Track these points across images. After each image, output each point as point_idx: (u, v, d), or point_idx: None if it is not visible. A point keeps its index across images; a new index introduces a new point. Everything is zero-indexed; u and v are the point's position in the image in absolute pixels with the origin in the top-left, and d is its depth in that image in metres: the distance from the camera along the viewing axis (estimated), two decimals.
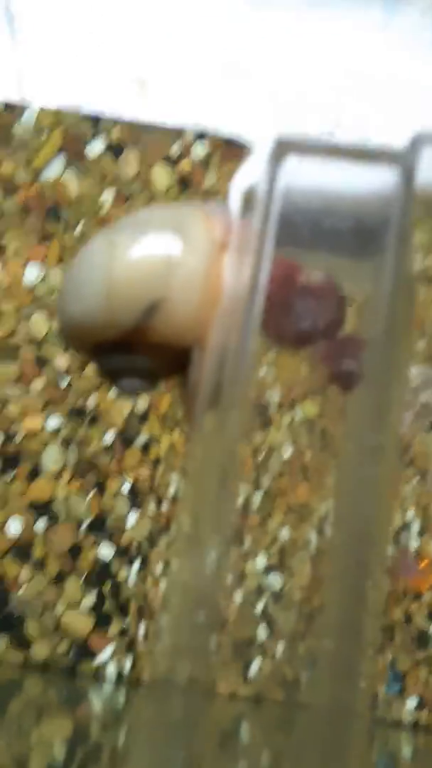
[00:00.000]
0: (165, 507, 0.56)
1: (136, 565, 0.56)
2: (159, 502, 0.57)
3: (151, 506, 0.56)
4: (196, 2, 0.56)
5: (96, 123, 0.58)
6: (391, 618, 0.55)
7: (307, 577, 0.52)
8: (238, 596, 0.56)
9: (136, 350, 0.23)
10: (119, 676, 0.55)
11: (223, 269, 0.22)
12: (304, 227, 0.19)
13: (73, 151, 0.58)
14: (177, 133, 0.59)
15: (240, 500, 0.57)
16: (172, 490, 0.56)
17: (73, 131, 0.58)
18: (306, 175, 0.19)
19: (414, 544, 0.57)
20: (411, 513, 0.57)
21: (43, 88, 0.57)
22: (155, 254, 0.22)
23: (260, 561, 0.56)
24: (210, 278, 0.22)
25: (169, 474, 0.56)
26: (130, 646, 0.55)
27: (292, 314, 0.22)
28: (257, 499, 0.57)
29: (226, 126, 0.57)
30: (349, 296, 0.22)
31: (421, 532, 0.57)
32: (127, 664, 0.55)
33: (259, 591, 0.55)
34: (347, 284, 0.22)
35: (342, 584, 0.21)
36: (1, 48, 0.55)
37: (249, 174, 0.22)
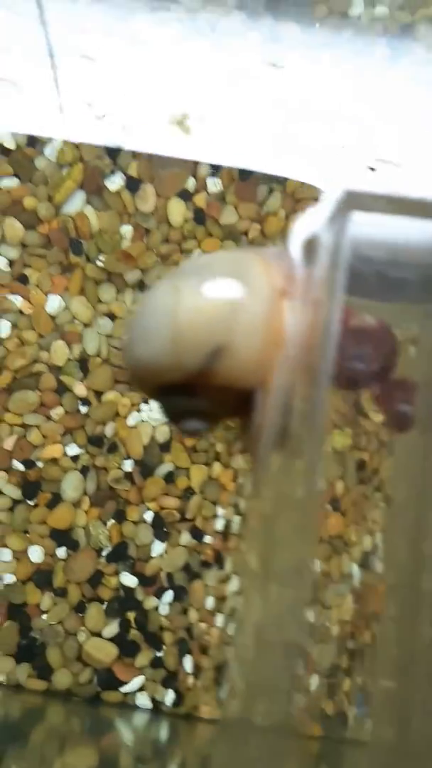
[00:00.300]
0: (209, 540, 0.57)
1: (168, 595, 0.56)
2: (198, 534, 0.58)
3: (185, 537, 0.57)
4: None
5: (115, 156, 0.59)
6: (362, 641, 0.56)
7: (349, 612, 0.52)
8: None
9: (200, 392, 0.24)
10: (156, 707, 0.55)
11: (283, 314, 0.23)
12: (371, 277, 0.20)
13: (93, 185, 0.59)
14: (192, 168, 0.60)
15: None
16: (218, 525, 0.57)
17: (92, 165, 0.59)
18: (372, 227, 0.20)
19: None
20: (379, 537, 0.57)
21: (82, 126, 0.58)
22: (219, 300, 0.23)
23: (235, 584, 0.57)
24: (271, 323, 0.23)
25: (209, 507, 0.57)
26: (171, 679, 0.56)
27: (345, 357, 0.23)
28: (236, 523, 0.57)
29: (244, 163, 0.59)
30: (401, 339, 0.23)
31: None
32: (168, 696, 0.55)
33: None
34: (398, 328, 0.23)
35: (400, 622, 0.21)
36: (43, 86, 0.57)
37: (310, 223, 0.23)
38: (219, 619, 0.57)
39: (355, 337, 0.22)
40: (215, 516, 0.58)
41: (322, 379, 0.20)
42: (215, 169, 0.60)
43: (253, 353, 0.23)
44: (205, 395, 0.24)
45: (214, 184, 0.60)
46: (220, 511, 0.58)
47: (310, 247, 0.22)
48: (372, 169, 0.53)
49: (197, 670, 0.56)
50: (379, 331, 0.23)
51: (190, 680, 0.56)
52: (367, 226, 0.20)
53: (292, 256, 0.23)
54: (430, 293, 0.20)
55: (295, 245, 0.23)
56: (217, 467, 0.58)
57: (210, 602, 0.57)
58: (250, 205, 0.60)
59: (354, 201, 0.20)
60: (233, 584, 0.57)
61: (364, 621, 0.50)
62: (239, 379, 0.23)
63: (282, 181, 0.60)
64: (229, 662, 0.54)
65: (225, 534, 0.57)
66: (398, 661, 0.21)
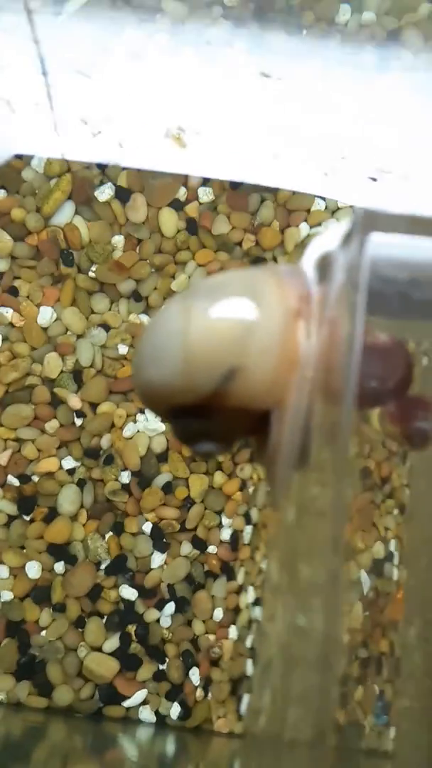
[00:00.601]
0: (213, 550, 0.57)
1: (170, 607, 0.56)
2: (201, 544, 0.57)
3: (186, 548, 0.57)
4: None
5: (103, 167, 0.59)
6: (378, 649, 0.55)
7: (359, 620, 0.52)
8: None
9: (213, 414, 0.23)
10: (161, 721, 0.54)
11: (298, 334, 0.22)
12: (393, 298, 0.20)
13: (82, 196, 0.59)
14: (182, 177, 0.60)
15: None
16: (224, 535, 0.57)
17: (81, 176, 0.59)
18: (393, 247, 0.20)
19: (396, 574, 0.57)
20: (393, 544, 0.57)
21: (77, 144, 0.58)
22: (232, 320, 0.23)
23: (251, 595, 0.57)
24: (286, 343, 0.22)
25: (212, 517, 0.57)
26: (176, 692, 0.55)
27: (360, 375, 0.22)
28: (247, 533, 0.57)
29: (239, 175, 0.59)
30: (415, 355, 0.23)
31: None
32: (174, 709, 0.55)
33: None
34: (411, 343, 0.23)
35: (423, 630, 0.21)
36: (37, 104, 0.56)
37: (325, 242, 0.22)
38: (232, 631, 0.56)
39: (369, 355, 0.22)
40: (220, 525, 0.57)
41: (347, 400, 0.19)
42: (206, 180, 0.60)
43: (268, 374, 0.22)
44: (218, 417, 0.24)
45: (205, 194, 0.59)
46: (225, 520, 0.57)
47: (325, 266, 0.22)
48: (373, 179, 0.53)
49: (207, 682, 0.55)
50: (392, 348, 0.23)
51: (199, 693, 0.55)
52: (388, 246, 0.20)
53: (306, 274, 0.23)
54: None
55: (309, 264, 0.23)
56: (218, 477, 0.57)
57: (219, 614, 0.56)
58: (243, 214, 0.60)
59: (373, 220, 0.20)
60: (249, 595, 0.57)
61: (379, 629, 0.50)
62: (253, 400, 0.23)
63: (273, 191, 0.60)
64: (253, 675, 0.53)
65: (234, 544, 0.57)
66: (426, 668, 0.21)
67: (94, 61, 0.58)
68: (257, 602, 0.57)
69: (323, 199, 0.60)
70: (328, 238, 0.22)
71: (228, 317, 0.23)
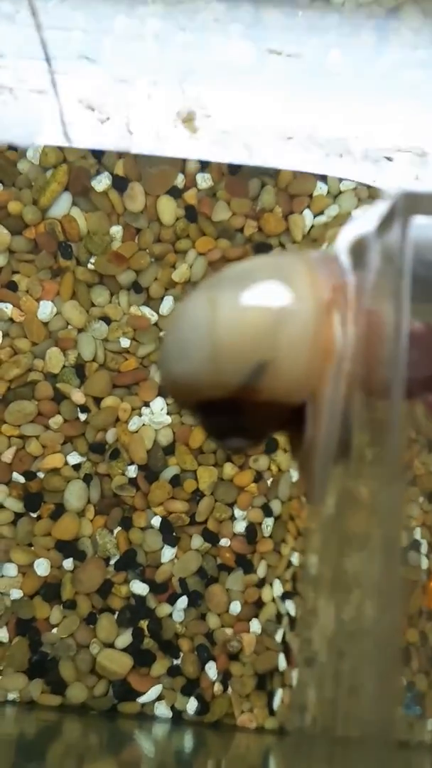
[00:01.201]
0: (226, 543, 0.56)
1: (182, 601, 0.55)
2: (212, 537, 0.56)
3: (197, 541, 0.56)
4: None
5: (99, 156, 0.58)
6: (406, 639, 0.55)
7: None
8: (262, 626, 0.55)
9: (243, 408, 0.22)
10: (178, 716, 0.54)
11: (332, 325, 0.21)
12: None
13: (79, 186, 0.57)
14: (180, 164, 0.59)
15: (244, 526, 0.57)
16: (238, 527, 0.56)
17: (77, 166, 0.57)
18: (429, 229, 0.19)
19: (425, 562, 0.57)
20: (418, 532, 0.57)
21: (84, 131, 0.56)
22: (261, 312, 0.22)
23: (278, 588, 0.56)
24: (319, 335, 0.21)
25: (223, 509, 0.56)
26: (192, 687, 0.55)
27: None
28: (267, 525, 0.57)
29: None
30: None
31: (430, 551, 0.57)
32: (190, 704, 0.54)
33: (280, 620, 0.55)
34: None
35: None
36: (42, 92, 0.55)
37: (358, 227, 0.22)
38: (254, 625, 0.56)
39: (411, 344, 0.21)
40: (232, 518, 0.57)
41: (396, 395, 0.19)
42: (204, 165, 0.58)
43: (300, 368, 0.22)
44: (249, 411, 0.23)
45: (204, 180, 0.58)
46: (238, 513, 0.57)
47: (360, 252, 0.21)
48: (389, 159, 0.52)
49: (226, 676, 0.55)
50: (428, 335, 0.22)
51: (217, 687, 0.55)
52: (429, 228, 0.19)
53: (339, 261, 0.22)
54: None
55: (343, 250, 0.22)
56: (228, 468, 0.57)
57: (236, 607, 0.56)
58: (243, 200, 0.59)
59: (414, 202, 0.19)
60: (276, 589, 0.56)
61: (406, 618, 0.49)
62: (285, 394, 0.22)
63: (273, 174, 0.59)
64: (294, 673, 0.53)
65: (251, 536, 0.56)
66: None
67: (97, 47, 0.57)
68: (287, 596, 0.56)
69: (325, 182, 0.59)
70: (362, 222, 0.21)
71: (257, 308, 0.22)
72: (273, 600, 0.56)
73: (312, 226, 0.59)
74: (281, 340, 0.22)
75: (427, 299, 0.20)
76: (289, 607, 0.56)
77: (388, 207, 0.20)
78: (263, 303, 0.22)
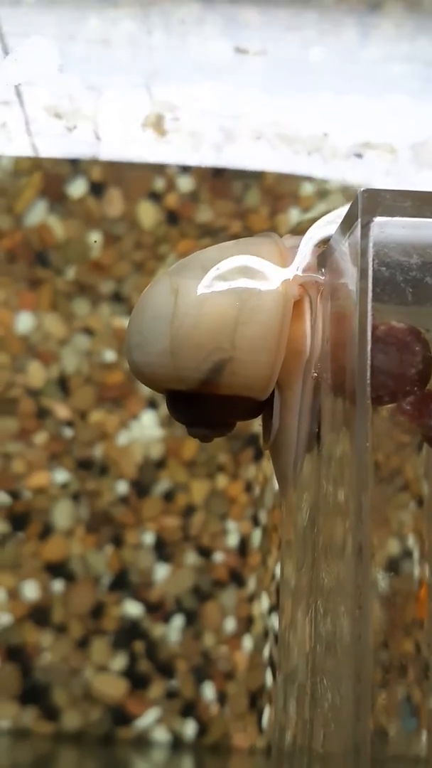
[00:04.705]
0: (220, 558, 0.54)
1: (178, 620, 0.53)
2: (206, 552, 0.55)
3: (191, 557, 0.54)
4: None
5: (75, 161, 0.56)
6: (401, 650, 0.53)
7: (376, 621, 0.50)
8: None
9: (205, 401, 0.23)
10: (177, 740, 0.52)
11: (298, 322, 0.21)
12: (405, 284, 0.18)
13: (55, 193, 0.56)
14: (159, 167, 0.57)
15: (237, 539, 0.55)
16: (231, 541, 0.54)
17: (52, 172, 0.56)
18: (398, 228, 0.18)
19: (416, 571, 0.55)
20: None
21: (51, 140, 0.55)
22: (222, 309, 0.21)
23: (264, 602, 0.54)
24: (283, 332, 0.21)
25: (216, 523, 0.54)
26: (190, 709, 0.53)
27: (372, 370, 0.20)
28: (256, 537, 0.55)
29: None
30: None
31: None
32: (189, 727, 0.52)
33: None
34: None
35: None
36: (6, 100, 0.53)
37: (325, 226, 0.20)
38: (247, 641, 0.54)
39: (383, 348, 0.20)
40: (225, 531, 0.55)
41: (361, 396, 0.17)
42: (184, 168, 0.57)
43: (263, 365, 0.21)
44: (211, 403, 0.23)
45: (185, 183, 0.57)
46: (231, 525, 0.55)
47: (326, 252, 0.20)
48: (359, 155, 0.51)
49: (222, 696, 0.53)
50: (408, 337, 0.20)
51: (214, 708, 0.53)
52: (394, 228, 0.18)
53: (307, 260, 0.21)
54: None
55: (310, 250, 0.21)
56: (221, 479, 0.55)
57: (230, 624, 0.54)
58: (226, 202, 0.57)
59: (375, 201, 0.17)
60: (263, 603, 0.54)
61: (401, 629, 0.48)
62: (248, 390, 0.22)
63: (257, 176, 0.57)
64: (277, 687, 0.51)
65: (242, 550, 0.54)
66: None
67: (62, 52, 0.55)
68: (272, 609, 0.54)
69: (310, 181, 0.57)
70: (328, 222, 0.20)
71: (219, 304, 0.21)
72: (261, 615, 0.54)
73: (299, 222, 0.57)
74: (243, 337, 0.21)
75: (392, 300, 0.19)
76: (274, 621, 0.54)
77: (350, 206, 0.18)
78: (226, 298, 0.21)
